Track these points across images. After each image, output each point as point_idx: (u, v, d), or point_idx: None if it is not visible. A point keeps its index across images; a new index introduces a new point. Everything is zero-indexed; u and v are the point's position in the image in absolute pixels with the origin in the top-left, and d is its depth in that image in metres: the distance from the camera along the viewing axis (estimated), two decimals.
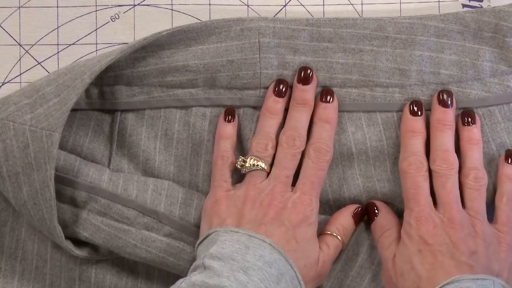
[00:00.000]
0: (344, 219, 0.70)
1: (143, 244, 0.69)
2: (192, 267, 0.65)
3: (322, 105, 0.69)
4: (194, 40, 0.69)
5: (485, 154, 0.69)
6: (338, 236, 0.70)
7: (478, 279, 0.63)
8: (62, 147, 0.71)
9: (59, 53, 0.73)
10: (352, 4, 0.72)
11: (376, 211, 0.70)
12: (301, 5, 0.72)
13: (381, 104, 0.70)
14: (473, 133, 0.69)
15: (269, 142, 0.69)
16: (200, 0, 0.72)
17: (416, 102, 0.69)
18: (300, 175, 0.68)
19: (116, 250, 0.69)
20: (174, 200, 0.70)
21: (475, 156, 0.68)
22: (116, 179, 0.69)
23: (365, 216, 0.71)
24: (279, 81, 0.69)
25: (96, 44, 0.73)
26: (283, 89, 0.69)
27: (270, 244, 0.64)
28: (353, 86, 0.70)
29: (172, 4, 0.72)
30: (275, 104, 0.69)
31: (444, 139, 0.68)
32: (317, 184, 0.68)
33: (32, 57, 0.72)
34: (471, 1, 0.72)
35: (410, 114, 0.69)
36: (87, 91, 0.71)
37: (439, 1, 0.72)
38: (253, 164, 0.68)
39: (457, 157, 0.68)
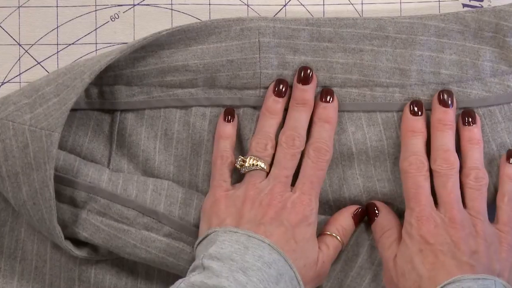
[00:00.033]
0: (344, 220, 0.70)
1: (142, 244, 0.68)
2: (191, 268, 0.65)
3: (322, 105, 0.69)
4: (194, 40, 0.69)
5: (485, 154, 0.69)
6: (338, 237, 0.70)
7: (479, 279, 0.63)
8: (61, 147, 0.71)
9: (58, 53, 0.72)
10: (352, 4, 0.72)
11: (377, 211, 0.70)
12: (301, 4, 0.72)
13: (381, 104, 0.70)
14: (473, 133, 0.69)
15: (269, 142, 0.69)
16: (200, 0, 0.72)
17: (416, 102, 0.69)
18: (299, 175, 0.68)
19: (115, 250, 0.69)
20: (173, 200, 0.70)
21: (475, 156, 0.68)
22: (116, 179, 0.69)
23: (365, 216, 0.71)
24: (279, 81, 0.69)
25: (96, 44, 0.72)
26: (283, 89, 0.69)
27: (269, 245, 0.64)
28: (353, 86, 0.70)
29: (172, 4, 0.72)
30: (275, 104, 0.69)
31: (445, 139, 0.68)
32: (317, 184, 0.68)
33: (32, 57, 0.72)
34: (471, 1, 0.72)
35: (411, 114, 0.69)
36: (86, 91, 0.71)
37: (439, 1, 0.72)
38: (253, 164, 0.68)
39: (458, 157, 0.68)
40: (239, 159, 0.69)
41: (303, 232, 0.67)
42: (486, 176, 0.68)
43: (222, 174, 0.69)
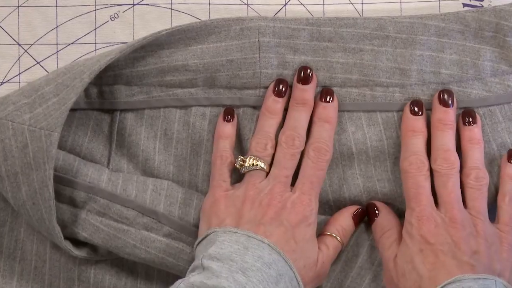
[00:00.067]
0: (344, 220, 0.70)
1: (142, 245, 0.68)
2: (190, 268, 0.64)
3: (322, 104, 0.69)
4: (194, 39, 0.69)
5: (486, 154, 0.69)
6: (338, 237, 0.69)
7: (479, 278, 0.63)
8: (61, 147, 0.71)
9: (58, 53, 0.72)
10: (352, 4, 0.72)
11: (377, 211, 0.70)
12: (301, 4, 0.72)
13: (382, 104, 0.70)
14: (474, 132, 0.69)
15: (269, 142, 0.68)
16: (200, 0, 0.72)
17: (416, 102, 0.69)
18: (299, 175, 0.68)
19: (115, 251, 0.69)
20: (173, 200, 0.70)
21: (476, 156, 0.68)
22: (115, 179, 0.69)
23: (365, 217, 0.71)
24: (279, 81, 0.69)
25: (95, 43, 0.72)
26: (283, 89, 0.69)
27: (269, 245, 0.64)
28: (353, 85, 0.70)
29: (171, 4, 0.72)
30: (275, 104, 0.69)
31: (445, 139, 0.68)
32: (317, 184, 0.68)
33: (31, 56, 0.72)
34: (472, 1, 0.72)
35: (411, 113, 0.69)
36: (86, 90, 0.71)
37: (439, 1, 0.72)
38: (252, 164, 0.68)
39: (458, 157, 0.68)
40: (239, 159, 0.69)
41: (303, 232, 0.66)
42: (487, 176, 0.68)
43: (222, 174, 0.69)
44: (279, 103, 0.69)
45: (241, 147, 0.71)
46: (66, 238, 0.68)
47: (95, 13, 0.72)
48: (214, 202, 0.68)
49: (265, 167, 0.68)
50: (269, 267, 0.63)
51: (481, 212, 0.67)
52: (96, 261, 0.71)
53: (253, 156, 0.68)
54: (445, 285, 0.63)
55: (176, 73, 0.69)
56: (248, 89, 0.70)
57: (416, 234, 0.66)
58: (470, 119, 0.69)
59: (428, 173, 0.68)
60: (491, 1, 0.72)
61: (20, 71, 0.73)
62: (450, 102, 0.69)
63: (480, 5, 0.72)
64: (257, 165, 0.68)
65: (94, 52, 0.72)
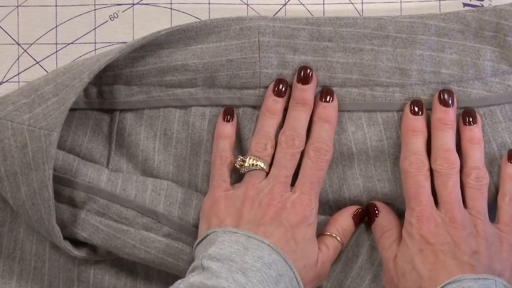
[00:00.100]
0: (344, 220, 0.70)
1: (142, 245, 0.68)
2: (190, 268, 0.64)
3: (322, 104, 0.69)
4: (194, 39, 0.69)
5: (486, 153, 0.69)
6: (338, 237, 0.69)
7: (479, 278, 0.63)
8: (60, 146, 0.71)
9: (57, 52, 0.72)
10: (352, 3, 0.72)
11: (377, 211, 0.70)
12: (301, 4, 0.72)
13: (382, 104, 0.70)
14: (474, 132, 0.69)
15: (269, 142, 0.68)
16: None
17: (416, 102, 0.69)
18: (299, 175, 0.68)
19: (114, 251, 0.69)
20: (173, 200, 0.70)
21: (476, 156, 0.68)
22: (115, 179, 0.69)
23: (365, 217, 0.71)
24: (279, 81, 0.69)
25: (95, 43, 0.72)
26: (283, 89, 0.69)
27: (269, 245, 0.64)
28: (353, 85, 0.70)
29: (171, 3, 0.72)
30: (275, 104, 0.69)
31: (445, 139, 0.68)
32: (317, 184, 0.68)
33: (31, 56, 0.72)
34: (472, 0, 0.72)
35: (411, 113, 0.69)
36: (85, 90, 0.71)
37: (439, 0, 0.72)
38: (252, 164, 0.68)
39: (458, 156, 0.68)
40: (239, 159, 0.69)
41: (303, 232, 0.66)
42: (487, 176, 0.68)
43: (222, 174, 0.69)
44: (279, 103, 0.69)
45: (241, 147, 0.71)
46: (65, 238, 0.68)
47: (95, 12, 0.72)
48: (214, 202, 0.68)
49: (265, 167, 0.68)
50: (269, 267, 0.63)
51: (481, 212, 0.67)
52: (96, 261, 0.71)
53: (253, 156, 0.68)
54: (445, 285, 0.63)
55: (176, 73, 0.69)
56: (248, 89, 0.70)
57: (416, 234, 0.66)
58: (471, 119, 0.69)
59: (428, 173, 0.68)
60: (491, 1, 0.72)
61: (20, 71, 0.72)
62: (450, 102, 0.69)
63: (480, 5, 0.72)
64: (257, 165, 0.68)
65: (94, 52, 0.72)
